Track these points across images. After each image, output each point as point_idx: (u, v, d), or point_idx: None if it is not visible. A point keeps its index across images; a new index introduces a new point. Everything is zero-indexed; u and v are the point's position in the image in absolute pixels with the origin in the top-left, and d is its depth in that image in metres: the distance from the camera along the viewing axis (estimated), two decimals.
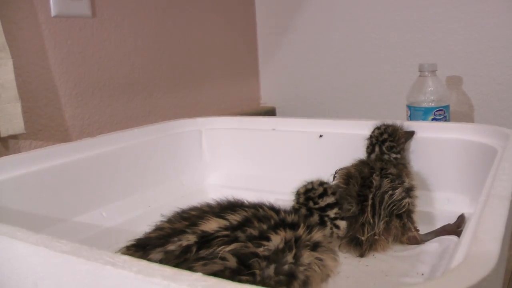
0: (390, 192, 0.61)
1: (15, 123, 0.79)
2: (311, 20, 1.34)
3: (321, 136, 0.83)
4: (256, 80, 1.45)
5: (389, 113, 1.21)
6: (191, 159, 0.92)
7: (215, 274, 0.36)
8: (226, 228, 0.43)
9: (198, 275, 0.28)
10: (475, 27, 1.10)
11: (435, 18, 1.15)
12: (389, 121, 0.73)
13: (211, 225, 0.43)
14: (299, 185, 0.58)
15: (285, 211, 0.48)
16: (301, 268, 0.42)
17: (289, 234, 0.43)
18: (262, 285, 0.36)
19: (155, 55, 1.10)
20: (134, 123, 1.05)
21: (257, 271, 0.39)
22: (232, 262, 0.39)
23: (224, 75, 1.32)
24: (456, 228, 0.65)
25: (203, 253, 0.40)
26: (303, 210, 0.55)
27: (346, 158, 0.70)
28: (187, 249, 0.41)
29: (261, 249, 0.41)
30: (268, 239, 0.42)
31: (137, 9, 1.05)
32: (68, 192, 0.69)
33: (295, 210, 0.55)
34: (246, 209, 0.46)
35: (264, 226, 0.43)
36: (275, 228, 0.43)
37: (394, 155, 0.69)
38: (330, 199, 0.56)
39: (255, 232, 0.42)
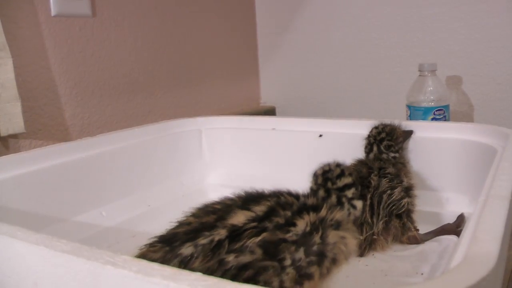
0: (388, 191, 0.61)
1: (15, 123, 0.79)
2: (311, 20, 1.34)
3: (320, 135, 0.83)
4: (256, 79, 1.45)
5: (389, 113, 1.22)
6: (191, 158, 0.92)
7: (246, 265, 0.39)
8: (253, 220, 0.44)
9: (198, 275, 0.28)
10: (475, 27, 1.10)
11: (435, 18, 1.15)
12: (387, 121, 0.73)
13: (239, 218, 0.44)
14: (316, 168, 0.59)
15: (303, 195, 0.50)
16: (329, 247, 0.44)
17: (312, 216, 0.45)
18: (294, 268, 0.40)
19: (155, 55, 1.10)
20: (134, 122, 1.05)
21: (287, 255, 0.41)
22: (258, 254, 0.40)
23: (224, 75, 1.32)
24: (455, 227, 0.65)
25: (234, 245, 0.41)
26: (321, 191, 0.56)
27: (346, 158, 0.70)
28: (219, 243, 0.42)
29: (289, 234, 0.43)
30: (294, 224, 0.44)
31: (137, 9, 1.05)
32: (68, 191, 0.69)
33: (312, 192, 0.57)
34: (269, 198, 0.48)
35: (288, 213, 0.45)
36: (298, 213, 0.45)
37: (392, 154, 0.69)
38: (347, 180, 0.57)
39: (281, 220, 0.44)
